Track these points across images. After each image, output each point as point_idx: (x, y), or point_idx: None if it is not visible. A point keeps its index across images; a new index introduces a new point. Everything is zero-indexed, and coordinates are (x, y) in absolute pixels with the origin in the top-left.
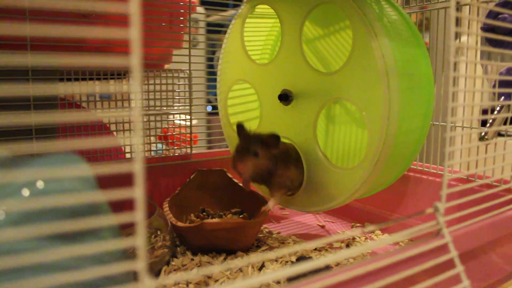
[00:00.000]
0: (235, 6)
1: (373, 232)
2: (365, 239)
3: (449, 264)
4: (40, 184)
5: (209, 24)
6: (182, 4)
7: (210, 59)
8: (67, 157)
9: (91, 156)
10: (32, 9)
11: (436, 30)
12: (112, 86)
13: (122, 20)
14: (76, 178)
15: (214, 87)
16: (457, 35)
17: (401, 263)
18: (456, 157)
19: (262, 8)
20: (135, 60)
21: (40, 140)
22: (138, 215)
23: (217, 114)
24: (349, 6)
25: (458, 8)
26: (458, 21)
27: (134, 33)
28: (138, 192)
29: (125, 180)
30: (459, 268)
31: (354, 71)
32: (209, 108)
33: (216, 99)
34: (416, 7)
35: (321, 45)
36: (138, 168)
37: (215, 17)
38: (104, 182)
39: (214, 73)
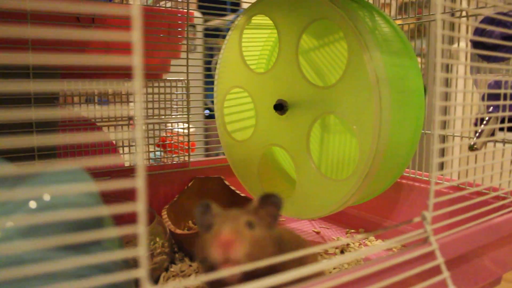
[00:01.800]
0: (233, 11)
1: (367, 238)
2: (359, 245)
3: (436, 270)
4: (46, 197)
5: (207, 29)
6: (180, 15)
7: (208, 63)
8: (73, 172)
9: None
10: (33, 12)
11: (429, 38)
12: (111, 87)
13: (122, 28)
14: (81, 193)
15: (212, 90)
16: (452, 41)
17: (389, 269)
18: (449, 166)
19: (258, 19)
20: (136, 60)
21: (41, 150)
22: (141, 228)
23: (214, 119)
24: (343, 21)
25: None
26: (453, 28)
27: (135, 36)
28: (140, 206)
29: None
30: (446, 274)
31: (347, 86)
32: (207, 112)
33: (212, 103)
34: (413, 18)
35: (317, 57)
36: (140, 184)
37: (213, 22)
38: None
39: (212, 76)
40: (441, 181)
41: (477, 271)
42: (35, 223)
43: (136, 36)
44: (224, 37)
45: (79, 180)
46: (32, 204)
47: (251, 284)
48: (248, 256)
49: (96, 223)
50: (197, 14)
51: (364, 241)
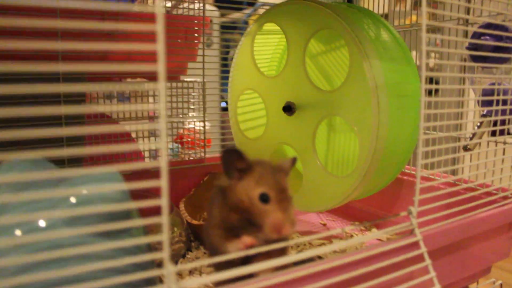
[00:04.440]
0: (250, 4)
1: (369, 229)
2: (362, 235)
3: (420, 259)
4: (85, 192)
5: (223, 23)
6: (197, 22)
7: (224, 58)
8: (107, 174)
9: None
10: (64, 30)
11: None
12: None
13: (142, 38)
14: (114, 191)
15: (227, 84)
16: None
17: (379, 255)
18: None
19: (269, 26)
20: (160, 67)
21: (69, 147)
22: (164, 218)
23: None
24: (345, 31)
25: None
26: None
27: (160, 47)
28: (164, 201)
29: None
30: (428, 262)
31: (349, 91)
32: (223, 104)
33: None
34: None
35: (324, 62)
36: (164, 183)
37: (229, 17)
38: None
39: (228, 72)
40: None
41: (465, 261)
42: (77, 214)
43: (159, 27)
44: (240, 30)
45: (112, 180)
46: (73, 199)
47: (251, 266)
48: None
49: (126, 215)
50: (213, 8)
51: (366, 232)
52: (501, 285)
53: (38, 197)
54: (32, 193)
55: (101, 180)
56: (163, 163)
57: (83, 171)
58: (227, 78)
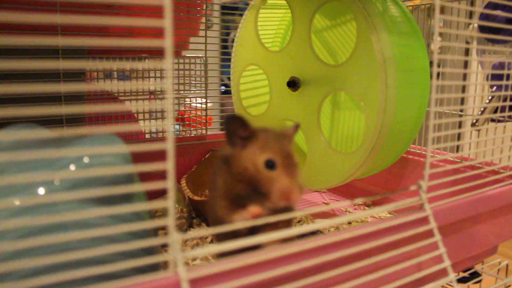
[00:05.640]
0: None
1: (368, 206)
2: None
3: (429, 234)
4: (86, 159)
5: (224, 6)
6: None
7: (224, 40)
8: (107, 137)
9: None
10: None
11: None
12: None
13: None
14: (114, 154)
15: (228, 67)
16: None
17: (387, 230)
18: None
19: (273, 0)
20: (168, 43)
21: (69, 122)
22: (169, 183)
23: (230, 94)
24: (353, 3)
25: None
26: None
27: (167, 23)
28: (169, 164)
29: (152, 157)
30: (437, 237)
31: (356, 65)
32: (223, 88)
33: (229, 79)
34: None
35: (329, 37)
36: (169, 146)
37: None
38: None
39: (228, 54)
40: (438, 155)
41: (472, 239)
42: (77, 181)
43: (166, 1)
44: (241, 14)
45: (113, 143)
46: (72, 166)
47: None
48: None
49: (127, 181)
50: None
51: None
52: (507, 265)
53: (38, 157)
54: (32, 153)
55: (101, 143)
56: (169, 122)
57: (83, 131)
58: (227, 60)
